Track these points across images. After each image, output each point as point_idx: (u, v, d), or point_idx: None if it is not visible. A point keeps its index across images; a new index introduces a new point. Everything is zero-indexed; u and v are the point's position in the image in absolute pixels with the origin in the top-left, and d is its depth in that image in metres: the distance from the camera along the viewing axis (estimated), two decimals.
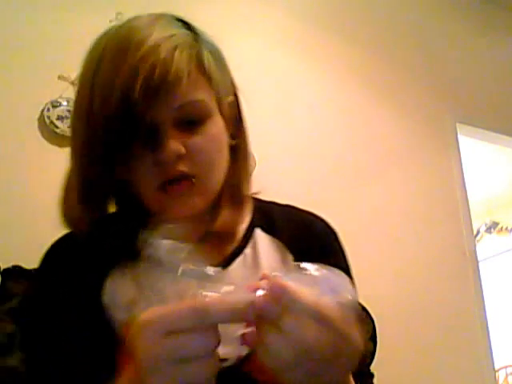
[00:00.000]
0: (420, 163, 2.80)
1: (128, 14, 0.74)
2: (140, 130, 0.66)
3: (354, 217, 2.49)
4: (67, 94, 1.91)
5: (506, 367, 5.20)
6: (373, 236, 2.51)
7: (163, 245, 0.49)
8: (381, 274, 2.46)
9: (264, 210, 0.82)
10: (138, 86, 0.63)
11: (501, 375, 5.17)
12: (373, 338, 2.17)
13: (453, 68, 3.14)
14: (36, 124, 1.89)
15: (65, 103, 1.91)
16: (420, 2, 3.14)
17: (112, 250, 0.73)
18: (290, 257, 0.76)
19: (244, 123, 0.80)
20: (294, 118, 2.46)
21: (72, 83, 1.91)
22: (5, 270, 1.62)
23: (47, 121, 1.88)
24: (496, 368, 3.20)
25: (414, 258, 2.61)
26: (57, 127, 1.88)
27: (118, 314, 0.70)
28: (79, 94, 0.70)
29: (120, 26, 0.70)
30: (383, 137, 2.72)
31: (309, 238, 0.79)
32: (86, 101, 0.67)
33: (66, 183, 0.75)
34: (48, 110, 1.89)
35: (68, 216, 0.74)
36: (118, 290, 0.70)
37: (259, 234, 0.78)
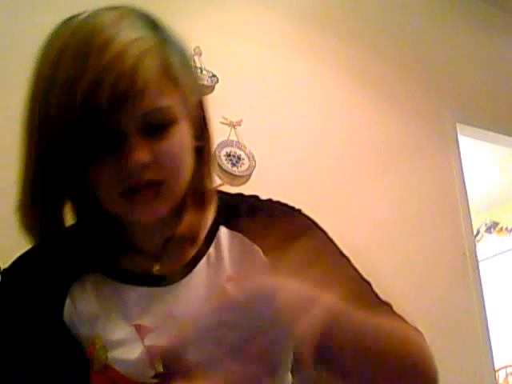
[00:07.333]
0: (420, 163, 2.80)
1: None
2: (103, 138, 0.64)
3: (353, 217, 2.49)
4: None
5: (505, 367, 5.20)
6: (372, 236, 2.51)
7: None
8: (380, 273, 2.45)
9: (230, 204, 0.79)
10: (103, 95, 0.60)
11: (501, 375, 5.17)
12: None
13: (453, 68, 3.14)
14: None
15: None
16: (420, 1, 3.14)
17: (71, 266, 0.72)
18: (258, 250, 0.74)
19: (209, 124, 0.77)
20: (291, 118, 2.45)
21: None
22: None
23: None
24: (496, 368, 3.19)
25: (414, 258, 2.61)
26: None
27: (82, 329, 0.69)
28: (32, 97, 0.67)
29: (80, 24, 0.65)
30: (383, 137, 2.72)
31: (280, 228, 0.74)
32: (42, 106, 0.65)
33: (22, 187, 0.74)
34: None
35: (24, 222, 0.75)
36: (81, 306, 0.70)
37: (223, 231, 0.76)
